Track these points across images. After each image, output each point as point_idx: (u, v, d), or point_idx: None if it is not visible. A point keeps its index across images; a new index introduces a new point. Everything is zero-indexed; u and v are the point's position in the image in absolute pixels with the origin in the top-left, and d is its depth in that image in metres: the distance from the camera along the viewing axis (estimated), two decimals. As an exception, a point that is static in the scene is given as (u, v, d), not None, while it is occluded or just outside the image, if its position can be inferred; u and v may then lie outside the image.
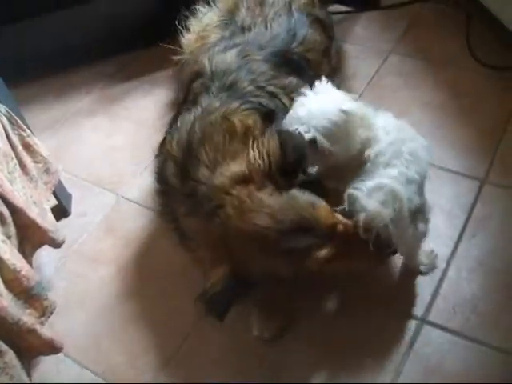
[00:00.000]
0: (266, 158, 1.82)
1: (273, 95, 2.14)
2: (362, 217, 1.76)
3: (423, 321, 2.02)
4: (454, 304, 2.03)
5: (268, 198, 1.79)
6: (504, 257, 2.13)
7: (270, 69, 2.20)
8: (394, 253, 1.91)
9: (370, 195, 1.80)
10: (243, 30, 2.38)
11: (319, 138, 1.86)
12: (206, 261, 1.87)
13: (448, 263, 2.13)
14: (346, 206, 1.82)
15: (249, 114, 2.00)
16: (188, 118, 2.05)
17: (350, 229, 1.82)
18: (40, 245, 2.18)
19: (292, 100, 2.10)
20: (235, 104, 2.02)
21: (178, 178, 1.97)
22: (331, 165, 1.96)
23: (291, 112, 1.96)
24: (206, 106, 2.05)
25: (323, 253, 1.77)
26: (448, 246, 2.18)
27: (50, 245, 2.20)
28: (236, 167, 1.85)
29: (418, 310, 2.04)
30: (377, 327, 2.03)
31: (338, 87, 2.40)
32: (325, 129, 1.86)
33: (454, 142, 2.49)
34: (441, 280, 2.10)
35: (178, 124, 2.07)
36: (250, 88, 2.11)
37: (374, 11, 3.16)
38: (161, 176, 2.12)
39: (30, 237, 2.09)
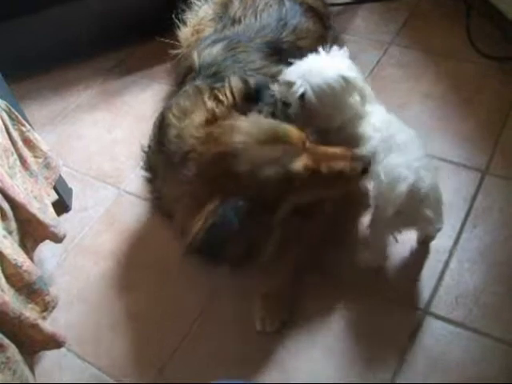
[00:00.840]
0: (229, 94, 1.86)
1: None
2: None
3: (425, 312, 2.02)
4: (456, 295, 2.03)
5: (236, 122, 1.81)
6: (506, 248, 2.13)
7: (259, 58, 2.21)
8: (366, 170, 1.87)
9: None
10: (234, 22, 2.39)
11: (308, 93, 1.90)
12: (187, 213, 1.80)
13: (450, 255, 2.13)
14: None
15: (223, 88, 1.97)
16: (170, 102, 2.09)
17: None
18: (41, 240, 2.17)
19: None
20: (210, 84, 2.03)
21: (156, 152, 2.02)
22: (315, 126, 1.99)
23: (293, 66, 1.99)
24: (188, 88, 2.07)
25: (301, 162, 1.77)
26: (450, 237, 2.18)
27: (51, 240, 2.19)
28: (198, 116, 1.87)
29: (421, 302, 2.04)
30: (379, 319, 2.03)
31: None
32: (318, 88, 1.89)
33: (455, 134, 2.48)
34: (443, 271, 2.10)
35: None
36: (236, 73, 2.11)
37: (374, 2, 3.15)
38: (146, 162, 2.17)
39: (31, 232, 2.08)
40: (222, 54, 2.19)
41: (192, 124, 1.86)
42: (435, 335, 1.96)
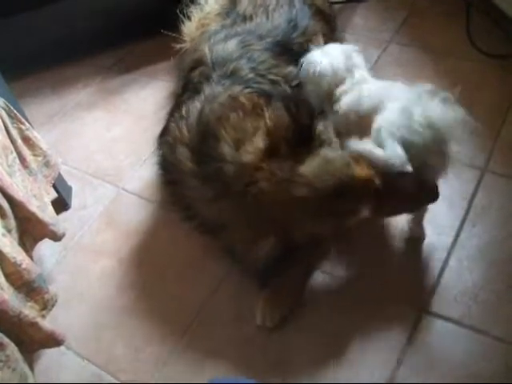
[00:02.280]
0: (282, 129, 1.88)
1: (274, 83, 2.17)
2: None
3: (425, 311, 2.01)
4: (455, 294, 2.03)
5: (300, 167, 1.83)
6: (505, 246, 2.13)
7: (270, 57, 2.22)
8: (434, 193, 1.92)
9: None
10: (244, 19, 2.40)
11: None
12: (243, 240, 1.91)
13: (449, 253, 2.13)
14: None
15: (252, 94, 2.03)
16: (193, 105, 2.07)
17: (384, 177, 1.84)
18: (40, 238, 2.17)
19: (292, 88, 2.18)
20: (238, 88, 2.05)
21: (195, 162, 1.99)
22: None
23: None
24: (209, 92, 2.08)
25: (364, 212, 1.83)
26: (449, 235, 2.18)
27: (50, 238, 2.19)
28: (259, 142, 1.88)
29: (420, 300, 2.04)
30: (378, 317, 2.03)
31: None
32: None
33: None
34: (442, 269, 2.10)
35: (183, 112, 2.09)
36: (251, 75, 2.14)
37: (373, 1, 3.15)
38: (167, 165, 2.14)
39: (30, 230, 2.08)
40: (236, 51, 2.21)
41: (252, 149, 1.89)
42: (434, 333, 1.96)
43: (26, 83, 3.08)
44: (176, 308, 2.18)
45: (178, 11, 2.64)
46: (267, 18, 2.37)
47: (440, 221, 2.21)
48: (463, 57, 2.77)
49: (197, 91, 2.13)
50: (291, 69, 2.24)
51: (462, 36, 2.84)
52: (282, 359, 2.00)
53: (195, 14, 2.63)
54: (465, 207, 2.24)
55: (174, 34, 2.66)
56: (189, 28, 2.62)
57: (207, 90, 2.09)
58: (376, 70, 2.77)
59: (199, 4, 2.64)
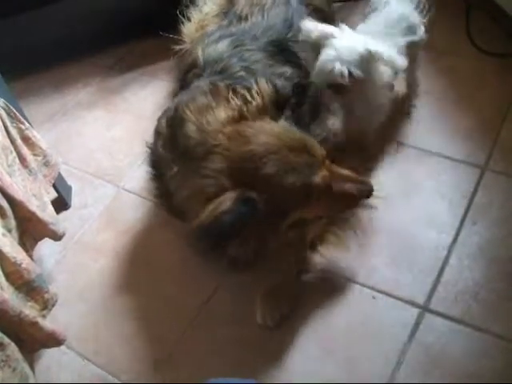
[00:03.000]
0: (257, 96, 1.90)
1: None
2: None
3: (425, 309, 2.02)
4: (455, 292, 2.03)
5: (267, 124, 1.88)
6: (505, 244, 2.13)
7: (264, 57, 2.22)
8: (369, 195, 1.98)
9: None
10: (240, 19, 2.39)
11: (353, 69, 2.02)
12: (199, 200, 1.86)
13: (449, 251, 2.13)
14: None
15: (236, 86, 2.03)
16: (177, 99, 2.10)
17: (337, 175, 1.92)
18: (40, 237, 2.17)
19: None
20: (225, 82, 2.06)
21: (167, 148, 2.02)
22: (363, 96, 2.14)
23: (323, 55, 2.06)
24: (195, 85, 2.10)
25: (321, 176, 1.85)
26: (449, 233, 2.18)
27: (50, 237, 2.19)
28: (223, 113, 1.91)
29: (420, 298, 2.04)
30: (378, 316, 2.03)
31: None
32: (355, 61, 2.03)
33: (455, 130, 2.48)
34: (442, 268, 2.10)
35: (169, 106, 2.12)
36: (242, 73, 2.14)
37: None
38: (151, 160, 2.17)
39: (30, 230, 2.08)
40: (227, 51, 2.21)
41: (217, 119, 1.90)
42: (435, 332, 1.96)
43: (26, 82, 3.08)
44: (176, 307, 2.18)
45: (177, 12, 2.64)
46: (263, 17, 2.37)
47: (440, 219, 2.22)
48: (463, 55, 2.76)
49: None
50: (286, 69, 2.24)
51: (461, 34, 2.84)
52: (282, 359, 2.00)
53: (194, 15, 2.63)
54: (465, 205, 2.24)
55: (173, 36, 2.66)
56: (188, 29, 2.62)
57: (194, 84, 2.12)
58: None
59: (198, 5, 2.65)
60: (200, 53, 2.24)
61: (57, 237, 2.20)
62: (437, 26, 2.91)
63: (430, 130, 2.49)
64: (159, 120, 2.14)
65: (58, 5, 2.94)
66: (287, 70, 2.24)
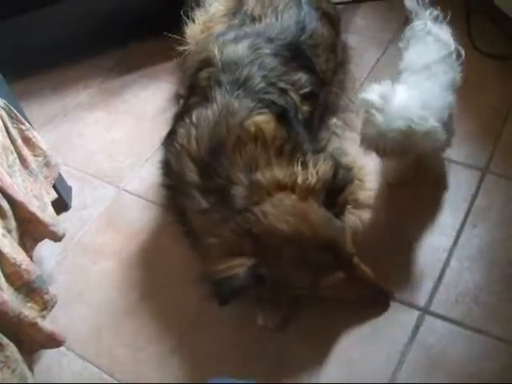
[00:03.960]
0: (314, 177, 1.89)
1: (283, 91, 2.17)
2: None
3: (425, 311, 2.01)
4: (456, 294, 2.03)
5: (310, 210, 1.86)
6: (505, 247, 2.13)
7: (279, 63, 2.21)
8: (389, 298, 2.03)
9: None
10: (253, 19, 2.38)
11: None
12: (221, 253, 1.89)
13: (450, 253, 2.13)
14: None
15: (265, 117, 2.03)
16: (205, 114, 2.06)
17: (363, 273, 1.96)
18: (40, 238, 2.17)
19: (300, 96, 2.19)
20: (251, 104, 2.04)
21: (199, 175, 2.00)
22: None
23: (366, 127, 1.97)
24: (223, 103, 2.06)
25: (336, 277, 1.87)
26: (450, 236, 2.18)
27: (50, 238, 2.19)
28: (279, 173, 1.91)
29: (421, 300, 2.04)
30: (379, 318, 2.03)
31: (343, 81, 2.42)
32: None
33: (455, 133, 2.48)
34: (443, 270, 2.10)
35: (194, 119, 2.07)
36: (262, 85, 2.12)
37: (374, 1, 3.14)
38: (170, 171, 2.15)
39: (30, 230, 2.08)
40: (247, 55, 2.18)
41: (272, 177, 1.91)
42: (435, 334, 1.96)
43: (27, 84, 3.07)
44: (175, 308, 2.18)
45: (181, 13, 2.63)
46: (276, 18, 2.34)
47: (441, 222, 2.22)
48: (464, 58, 2.76)
49: (207, 97, 2.10)
50: (300, 75, 2.23)
51: (462, 36, 2.81)
52: (282, 359, 1.99)
53: (199, 16, 2.62)
54: (465, 208, 2.24)
55: (176, 36, 2.65)
56: (193, 30, 2.61)
57: (219, 98, 2.06)
58: (376, 71, 2.78)
59: (204, 7, 2.64)
60: (216, 52, 2.20)
61: (57, 238, 2.20)
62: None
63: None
64: (183, 134, 2.08)
65: (57, 6, 2.94)
66: (302, 76, 2.23)
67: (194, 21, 2.63)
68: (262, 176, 1.90)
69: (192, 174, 2.00)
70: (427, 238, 2.18)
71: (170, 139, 2.17)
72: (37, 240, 2.16)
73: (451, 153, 2.39)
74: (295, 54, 2.26)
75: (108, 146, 2.80)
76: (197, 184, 1.99)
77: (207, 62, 2.21)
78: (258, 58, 2.17)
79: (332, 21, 2.54)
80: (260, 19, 2.36)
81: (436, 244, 2.16)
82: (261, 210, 1.84)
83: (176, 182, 2.11)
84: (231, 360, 2.01)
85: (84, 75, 3.16)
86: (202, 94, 2.13)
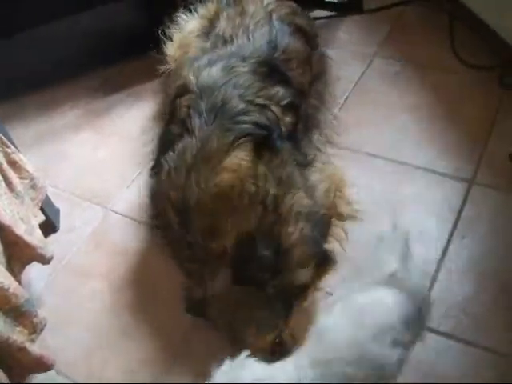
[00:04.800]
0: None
1: (263, 107, 2.15)
2: None
3: (415, 325, 2.01)
4: (445, 307, 2.03)
5: None
6: (494, 257, 2.13)
7: (256, 80, 2.21)
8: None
9: None
10: (225, 42, 2.37)
11: None
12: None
13: (438, 265, 2.13)
14: None
15: (244, 153, 2.03)
16: (186, 148, 2.06)
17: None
18: (28, 261, 2.16)
19: (281, 107, 2.18)
20: (230, 137, 2.03)
21: (178, 224, 2.05)
22: None
23: None
24: (202, 138, 2.06)
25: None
26: (438, 248, 2.18)
27: (38, 261, 2.18)
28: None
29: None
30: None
31: (322, 92, 2.42)
32: None
33: (441, 144, 2.49)
34: (432, 283, 2.09)
35: (176, 155, 2.09)
36: (241, 106, 2.11)
37: (357, 15, 3.15)
38: (155, 200, 2.23)
39: (17, 254, 2.07)
40: (222, 77, 2.18)
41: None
42: (425, 348, 1.94)
43: (12, 105, 3.06)
44: (166, 328, 2.17)
45: (159, 33, 2.64)
46: (248, 39, 2.34)
47: (428, 234, 2.22)
48: (448, 70, 2.78)
49: (187, 126, 2.10)
50: (278, 89, 2.23)
51: (446, 48, 2.85)
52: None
53: (175, 34, 2.62)
54: (453, 220, 2.25)
55: (158, 55, 2.66)
56: (170, 49, 2.61)
57: (197, 131, 2.07)
58: (360, 85, 2.79)
59: (179, 24, 2.64)
60: (192, 77, 2.21)
61: (45, 260, 2.19)
62: (421, 40, 2.94)
63: (416, 145, 2.50)
64: (166, 171, 2.11)
65: (42, 28, 2.94)
66: (279, 90, 2.23)
67: (171, 39, 2.63)
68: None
69: (174, 219, 2.06)
70: (415, 251, 2.16)
71: (155, 171, 2.20)
72: (25, 263, 2.15)
73: (437, 165, 2.41)
74: (270, 70, 2.26)
75: (95, 166, 2.79)
76: (176, 222, 2.05)
77: (185, 89, 2.22)
78: (231, 79, 2.17)
79: (307, 36, 2.55)
80: (232, 41, 2.37)
81: (424, 257, 2.15)
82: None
83: (160, 210, 2.17)
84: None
85: (70, 96, 3.15)
86: (182, 124, 2.14)
